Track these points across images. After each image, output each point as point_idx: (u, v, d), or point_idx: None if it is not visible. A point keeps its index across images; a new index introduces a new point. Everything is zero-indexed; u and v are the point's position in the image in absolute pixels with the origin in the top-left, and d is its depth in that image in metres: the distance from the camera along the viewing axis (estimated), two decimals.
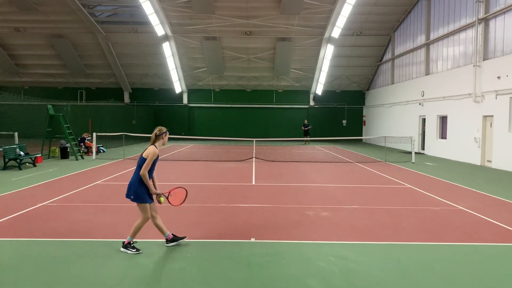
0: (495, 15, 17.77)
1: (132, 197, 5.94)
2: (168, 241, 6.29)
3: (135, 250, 5.98)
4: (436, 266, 5.60)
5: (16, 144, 16.15)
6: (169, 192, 6.33)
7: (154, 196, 6.08)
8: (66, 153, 19.02)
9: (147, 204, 6.01)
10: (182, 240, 6.37)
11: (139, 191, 5.92)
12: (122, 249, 6.03)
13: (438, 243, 6.63)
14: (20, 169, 14.87)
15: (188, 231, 7.01)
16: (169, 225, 6.75)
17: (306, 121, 33.64)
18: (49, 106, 19.13)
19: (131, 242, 6.04)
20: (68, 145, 18.97)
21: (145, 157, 5.92)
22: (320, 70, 32.82)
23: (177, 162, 18.06)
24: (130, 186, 6.00)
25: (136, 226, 6.02)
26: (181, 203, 6.43)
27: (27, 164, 16.00)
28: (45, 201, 9.41)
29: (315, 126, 35.43)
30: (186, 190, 6.51)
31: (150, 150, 5.95)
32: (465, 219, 8.29)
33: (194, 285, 4.94)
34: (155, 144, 6.09)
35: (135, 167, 6.08)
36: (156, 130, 6.16)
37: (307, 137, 31.77)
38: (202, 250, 6.16)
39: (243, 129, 35.47)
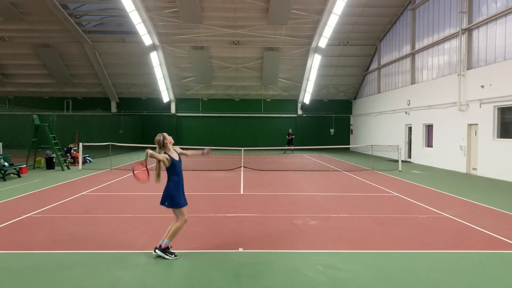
0: (478, 25, 18.17)
1: (166, 203, 6.09)
2: (159, 248, 6.19)
3: (173, 255, 6.09)
4: (423, 273, 5.64)
5: (1, 155, 15.88)
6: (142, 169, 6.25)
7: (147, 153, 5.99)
8: (52, 164, 18.76)
9: (184, 208, 6.17)
10: (171, 258, 6.13)
11: (173, 195, 6.07)
12: (159, 253, 6.07)
13: (425, 251, 6.68)
14: (4, 180, 14.61)
15: (175, 241, 6.93)
16: (159, 235, 6.66)
17: (290, 130, 33.52)
18: (35, 116, 18.91)
19: (170, 247, 6.13)
20: (54, 155, 18.73)
21: (168, 166, 6.15)
22: (308, 79, 33.09)
23: (165, 172, 17.89)
24: (163, 194, 6.16)
25: (176, 229, 6.15)
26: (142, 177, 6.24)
27: (12, 175, 15.74)
28: (30, 213, 9.25)
29: (304, 135, 35.66)
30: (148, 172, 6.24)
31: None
32: (451, 226, 8.37)
33: None
34: (166, 152, 6.20)
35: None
36: (156, 146, 6.20)
37: (290, 145, 31.78)
38: (190, 261, 6.10)
39: (231, 138, 35.46)
